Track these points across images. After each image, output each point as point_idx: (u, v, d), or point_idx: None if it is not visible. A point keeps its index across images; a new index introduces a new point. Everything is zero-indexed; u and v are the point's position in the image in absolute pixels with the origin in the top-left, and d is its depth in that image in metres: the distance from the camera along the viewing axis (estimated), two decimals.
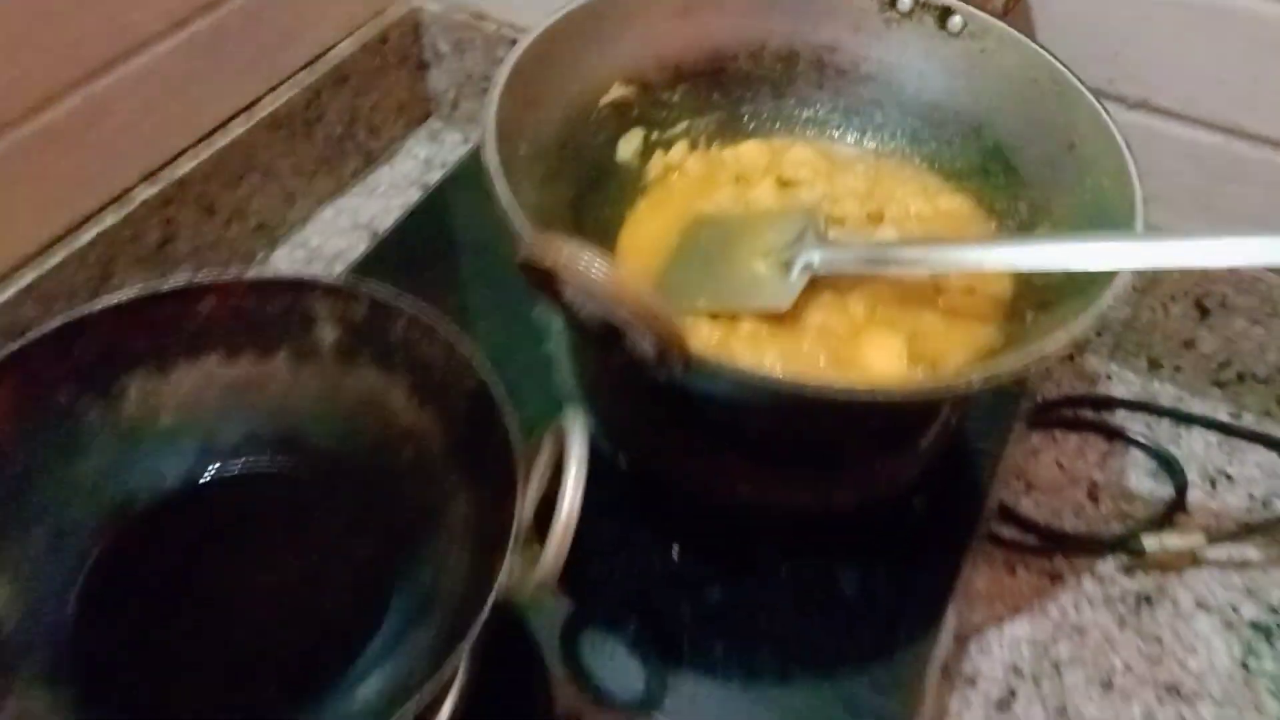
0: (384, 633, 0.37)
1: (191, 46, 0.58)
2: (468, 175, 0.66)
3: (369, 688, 0.35)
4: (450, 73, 0.77)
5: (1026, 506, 0.57)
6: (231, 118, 0.63)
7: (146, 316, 0.41)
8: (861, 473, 0.48)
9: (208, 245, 0.64)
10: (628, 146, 0.52)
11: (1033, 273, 0.44)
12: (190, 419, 0.42)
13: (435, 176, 0.75)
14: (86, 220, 0.56)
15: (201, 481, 0.42)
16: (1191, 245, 0.38)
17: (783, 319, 0.44)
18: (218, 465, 0.42)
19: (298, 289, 0.41)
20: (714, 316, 0.45)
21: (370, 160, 0.75)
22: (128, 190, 0.58)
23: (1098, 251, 0.40)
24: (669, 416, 0.47)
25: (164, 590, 0.40)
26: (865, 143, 0.53)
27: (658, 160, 0.53)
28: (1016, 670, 0.51)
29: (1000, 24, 0.50)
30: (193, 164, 0.61)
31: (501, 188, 0.39)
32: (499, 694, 0.42)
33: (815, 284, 0.45)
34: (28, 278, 0.54)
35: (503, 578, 0.33)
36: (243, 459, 0.42)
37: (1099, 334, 0.63)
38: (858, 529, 0.47)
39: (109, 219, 0.57)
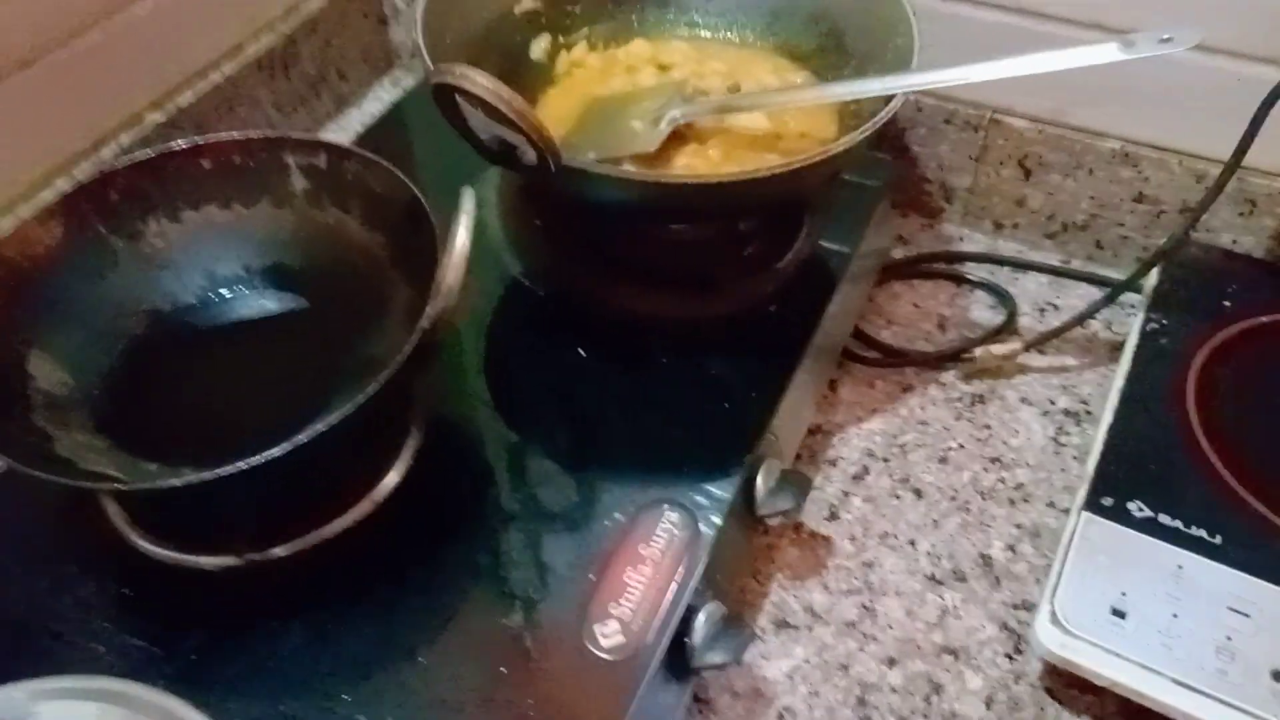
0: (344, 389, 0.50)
1: None
2: (418, 101, 0.78)
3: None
4: (406, 26, 0.89)
5: (886, 337, 0.69)
6: (221, 58, 0.76)
7: (161, 170, 0.53)
8: (729, 288, 0.60)
9: None
10: (538, 47, 0.65)
11: (842, 102, 0.57)
12: (195, 254, 0.55)
13: None
14: (104, 140, 0.69)
15: (208, 296, 0.54)
16: (946, 73, 0.51)
17: (654, 162, 0.57)
18: (220, 288, 0.55)
19: (274, 143, 0.54)
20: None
21: (342, 103, 0.88)
22: (137, 115, 0.71)
23: (884, 83, 0.53)
24: (571, 246, 0.59)
25: (178, 372, 0.52)
26: (729, 36, 0.66)
27: (563, 58, 0.65)
28: (870, 453, 0.63)
29: None
30: (192, 95, 0.73)
31: (424, 41, 0.52)
32: (444, 463, 0.53)
33: (681, 136, 0.58)
34: (59, 185, 0.66)
35: (424, 322, 0.45)
36: (238, 283, 0.55)
37: (949, 202, 0.75)
38: (726, 331, 0.59)
39: (124, 139, 0.69)
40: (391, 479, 0.51)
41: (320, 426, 0.41)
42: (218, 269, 0.55)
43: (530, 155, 0.48)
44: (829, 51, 0.63)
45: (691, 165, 0.57)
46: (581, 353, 0.57)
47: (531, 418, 0.55)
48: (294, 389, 0.51)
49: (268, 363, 0.53)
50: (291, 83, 0.82)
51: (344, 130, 0.87)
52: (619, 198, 0.51)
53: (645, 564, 0.48)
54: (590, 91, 0.64)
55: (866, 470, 0.62)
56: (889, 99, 0.52)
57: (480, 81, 0.44)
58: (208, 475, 0.41)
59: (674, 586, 0.47)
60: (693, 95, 0.60)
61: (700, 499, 0.50)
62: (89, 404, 0.49)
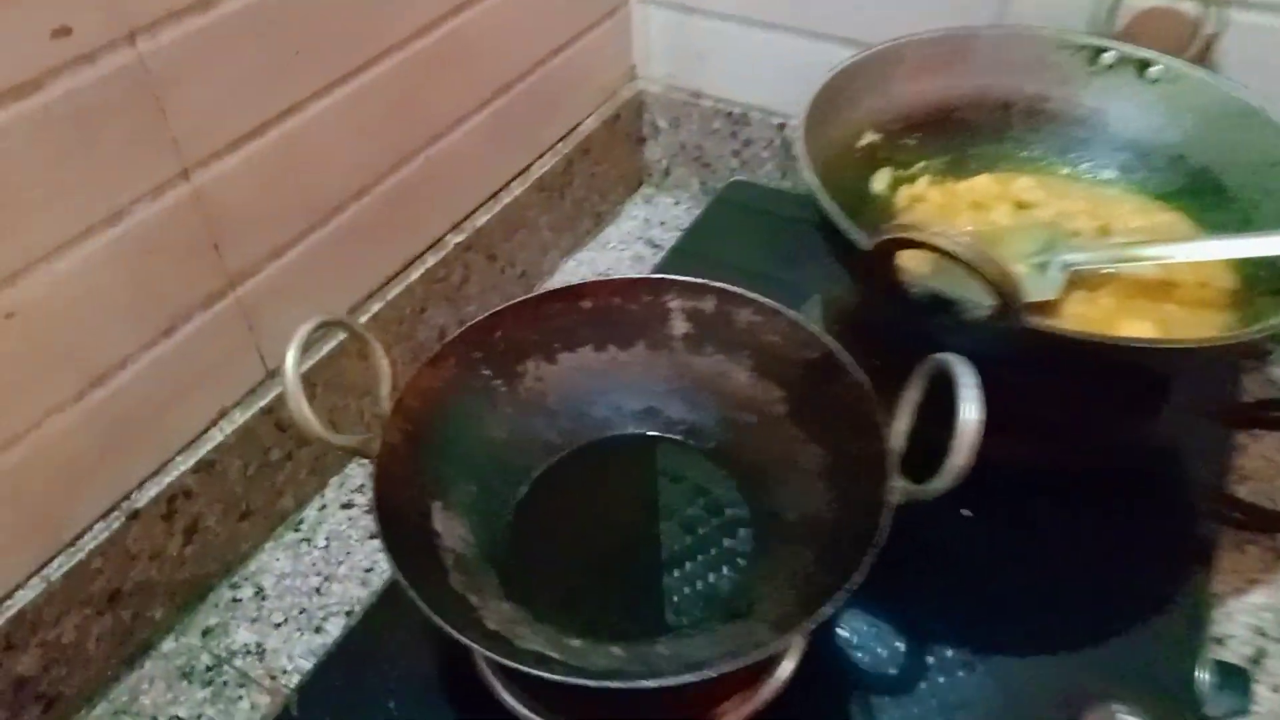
0: (758, 558, 0.46)
1: (491, 120, 0.70)
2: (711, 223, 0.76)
3: (765, 604, 0.44)
4: (664, 145, 0.89)
5: (1244, 494, 0.64)
6: (511, 180, 0.75)
7: (541, 312, 0.51)
8: (1110, 440, 0.56)
9: (490, 287, 0.75)
10: (879, 181, 0.62)
11: (1256, 259, 0.53)
12: (568, 397, 0.52)
13: (655, 233, 0.86)
14: (414, 260, 0.68)
15: (579, 446, 0.52)
16: None
17: (1045, 312, 0.53)
18: (591, 434, 0.52)
19: (657, 285, 0.51)
20: None
21: (599, 221, 0.87)
22: (440, 238, 0.70)
23: None
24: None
25: (566, 527, 0.49)
26: (1079, 174, 0.63)
27: (904, 192, 0.63)
28: (1261, 632, 0.57)
29: (1194, 70, 0.60)
30: (486, 217, 0.72)
31: (827, 203, 0.49)
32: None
33: (1069, 283, 0.54)
34: (374, 307, 0.65)
35: (891, 496, 0.41)
36: (610, 429, 0.52)
37: None
38: (1117, 488, 0.54)
39: (429, 260, 0.68)
40: (783, 672, 0.46)
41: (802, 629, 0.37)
42: (590, 411, 0.52)
43: (977, 314, 0.44)
44: (1204, 192, 0.59)
45: (1084, 315, 0.53)
46: (966, 513, 0.53)
47: (918, 588, 0.50)
48: (693, 545, 0.48)
49: (649, 514, 0.50)
50: (564, 203, 0.81)
51: (603, 247, 0.85)
52: (1056, 364, 0.47)
53: None
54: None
55: (1263, 653, 0.56)
56: None
57: (960, 239, 0.41)
58: (670, 680, 0.37)
59: None
60: (1069, 239, 0.57)
61: (1148, 698, 0.45)
62: (491, 565, 0.46)
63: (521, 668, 0.38)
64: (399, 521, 0.42)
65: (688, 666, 0.38)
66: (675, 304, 0.51)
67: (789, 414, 0.49)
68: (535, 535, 0.48)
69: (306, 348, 0.42)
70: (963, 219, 0.62)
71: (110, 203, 0.47)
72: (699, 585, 0.46)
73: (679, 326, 0.52)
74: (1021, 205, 0.61)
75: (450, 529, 0.45)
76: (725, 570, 0.46)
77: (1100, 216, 0.59)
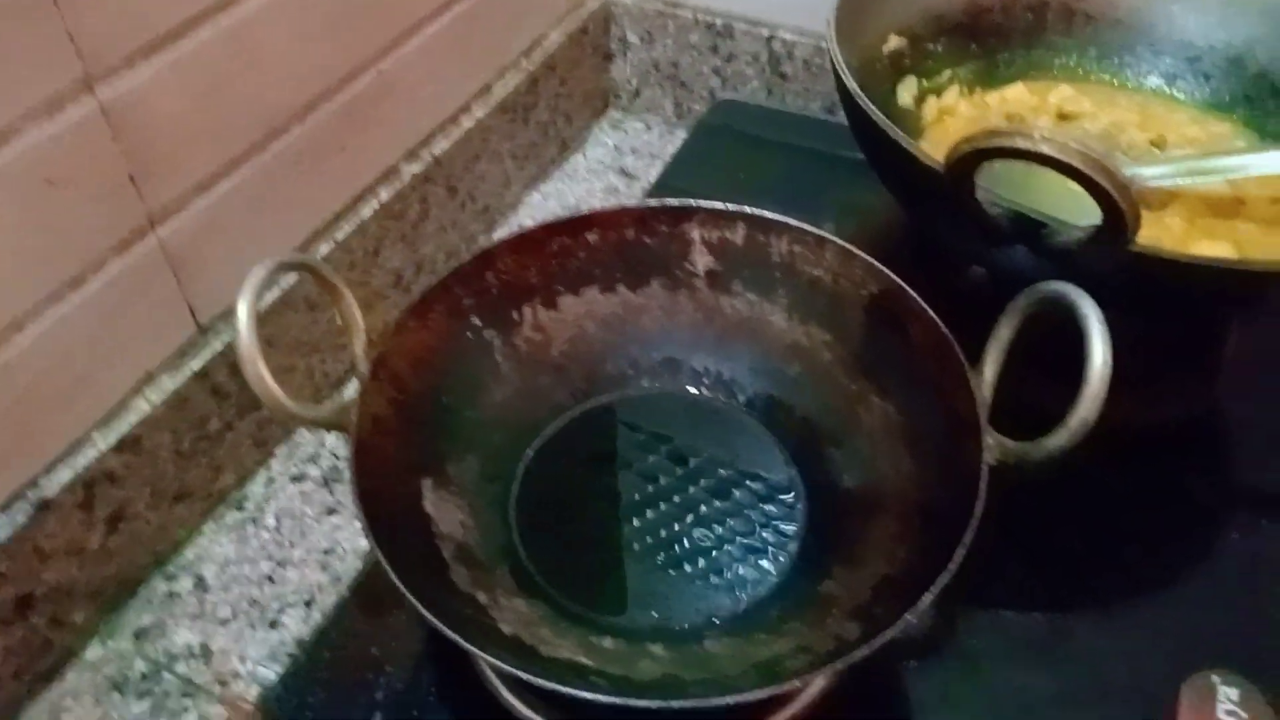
0: (815, 531, 0.39)
1: (452, 27, 0.61)
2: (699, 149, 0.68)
3: (831, 585, 0.37)
4: (634, 63, 0.79)
5: None
6: (471, 100, 0.65)
7: (543, 247, 0.42)
8: (1176, 387, 0.50)
9: (450, 224, 0.66)
10: (906, 92, 0.55)
11: None
12: (574, 349, 0.44)
13: (628, 161, 0.77)
14: (366, 193, 0.58)
15: (590, 408, 0.43)
16: None
17: None
18: (604, 392, 0.44)
19: (676, 214, 0.43)
20: None
21: (564, 148, 0.78)
22: (394, 168, 0.60)
23: None
24: None
25: (581, 504, 0.41)
26: (1120, 81, 0.56)
27: (931, 104, 0.55)
28: None
29: None
30: (445, 143, 0.63)
31: (880, 118, 0.42)
32: None
33: None
34: (322, 249, 0.55)
35: (988, 457, 0.34)
36: (625, 385, 0.44)
37: None
38: (1194, 440, 0.49)
39: (383, 194, 0.59)
40: None
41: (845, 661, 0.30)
42: (601, 366, 0.44)
43: (1073, 235, 0.37)
44: (1261, 99, 0.53)
45: (1153, 237, 0.47)
46: None
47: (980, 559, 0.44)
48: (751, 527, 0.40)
49: (688, 484, 0.42)
50: (528, 128, 0.71)
51: (571, 178, 0.76)
52: (1188, 288, 0.40)
53: None
54: None
55: None
56: None
57: (1073, 146, 0.33)
58: (749, 695, 0.30)
59: None
60: (1125, 151, 0.50)
61: (1249, 667, 0.40)
62: (500, 554, 0.38)
63: (559, 688, 0.30)
64: (386, 509, 0.34)
65: (759, 672, 0.31)
66: (697, 234, 0.43)
67: (842, 362, 0.42)
68: (547, 516, 0.40)
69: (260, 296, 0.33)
70: None
71: None
72: (744, 568, 0.39)
73: (701, 261, 0.44)
74: (1065, 116, 0.54)
75: (446, 514, 0.37)
76: (776, 547, 0.39)
77: (1152, 128, 0.53)
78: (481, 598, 0.35)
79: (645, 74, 0.80)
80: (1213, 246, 0.46)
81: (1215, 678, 0.39)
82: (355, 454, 0.34)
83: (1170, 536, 0.45)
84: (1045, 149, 0.34)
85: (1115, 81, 0.57)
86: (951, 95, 0.56)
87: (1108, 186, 0.34)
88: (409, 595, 0.31)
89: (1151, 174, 0.47)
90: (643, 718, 0.36)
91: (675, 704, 0.29)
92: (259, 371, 0.32)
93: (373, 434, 0.36)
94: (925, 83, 0.56)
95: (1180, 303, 0.42)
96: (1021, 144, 0.34)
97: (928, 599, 0.31)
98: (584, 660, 0.33)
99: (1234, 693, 0.39)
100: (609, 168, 0.77)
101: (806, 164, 0.63)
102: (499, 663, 0.30)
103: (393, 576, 0.31)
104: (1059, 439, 0.32)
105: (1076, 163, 0.33)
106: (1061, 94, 0.55)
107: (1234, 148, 0.51)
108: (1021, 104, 0.55)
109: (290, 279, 0.52)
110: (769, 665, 0.31)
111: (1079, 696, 0.40)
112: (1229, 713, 0.39)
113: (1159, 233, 0.47)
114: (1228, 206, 0.49)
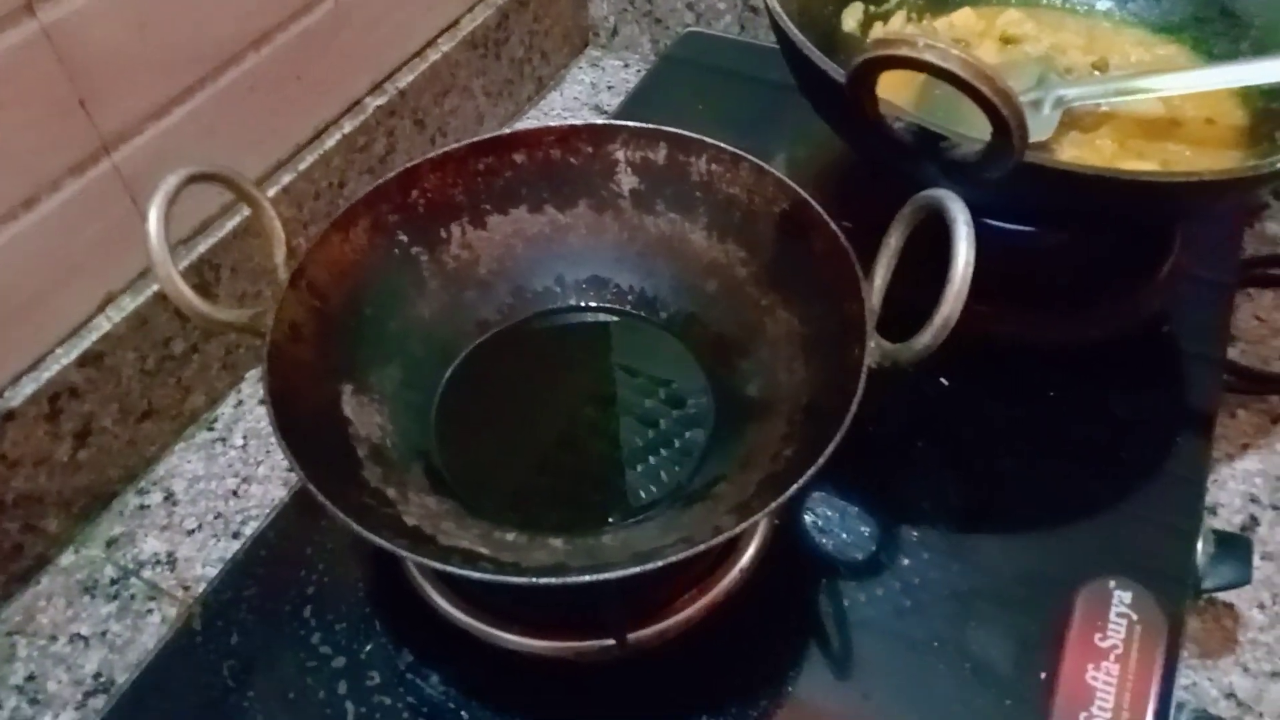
0: (719, 438, 0.41)
1: None
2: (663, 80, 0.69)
3: (724, 486, 0.38)
4: (610, 1, 0.80)
5: (1234, 355, 0.59)
6: (438, 35, 0.66)
7: (465, 166, 0.44)
8: (1105, 305, 0.50)
9: (418, 159, 0.67)
10: (850, 18, 0.55)
11: (1268, 91, 0.47)
12: (501, 267, 0.45)
13: (604, 98, 0.78)
14: (329, 125, 0.60)
15: (515, 322, 0.45)
16: None
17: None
18: (530, 307, 0.45)
19: (601, 133, 0.44)
20: None
21: (541, 86, 0.79)
22: (359, 100, 0.62)
23: None
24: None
25: (501, 412, 0.43)
26: (1072, 5, 0.56)
27: (877, 30, 0.56)
28: (1253, 499, 0.53)
29: None
30: (411, 76, 0.64)
31: (794, 32, 0.42)
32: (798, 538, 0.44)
33: (1060, 124, 0.48)
34: (285, 179, 0.57)
35: (869, 360, 0.35)
36: (551, 301, 0.46)
37: None
38: (1113, 359, 0.49)
39: (347, 126, 0.60)
40: (743, 560, 0.41)
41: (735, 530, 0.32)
42: (528, 284, 0.46)
43: (970, 148, 0.38)
44: (1210, 20, 0.53)
45: (1081, 158, 0.47)
46: (943, 381, 0.48)
47: (898, 466, 0.45)
48: (659, 432, 0.42)
49: (605, 396, 0.44)
50: (501, 64, 0.72)
51: (546, 116, 0.77)
52: (1076, 197, 0.41)
53: (1108, 660, 0.38)
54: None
55: (1255, 520, 0.52)
56: None
57: (954, 53, 0.34)
58: (614, 574, 0.32)
59: (1153, 690, 0.38)
60: (1063, 74, 0.50)
61: (1144, 573, 0.41)
62: (415, 455, 0.40)
63: (441, 565, 0.32)
64: (299, 407, 0.36)
65: (636, 557, 0.33)
66: (621, 154, 0.45)
67: (754, 277, 0.43)
68: (467, 423, 0.42)
69: (175, 202, 0.35)
70: None
71: None
72: (653, 471, 0.40)
73: (626, 181, 0.45)
74: (1009, 40, 0.54)
75: (364, 417, 0.39)
76: (682, 453, 0.41)
77: (1096, 50, 0.53)
78: (391, 493, 0.37)
79: (622, 10, 0.80)
80: (1138, 165, 0.46)
81: (1112, 583, 0.41)
82: (268, 356, 0.36)
83: (1085, 451, 0.46)
84: (928, 56, 0.34)
85: (1067, 5, 0.56)
86: (898, 21, 0.56)
87: (989, 93, 0.34)
88: (309, 482, 0.33)
89: (1075, 94, 0.47)
90: (565, 611, 0.38)
91: (541, 580, 0.31)
92: (170, 274, 0.34)
93: (290, 339, 0.38)
94: (872, 8, 0.56)
95: (1077, 216, 0.42)
96: (905, 52, 0.35)
97: (794, 489, 0.32)
98: (481, 549, 0.35)
99: (1128, 596, 0.40)
100: (585, 104, 0.78)
101: (768, 96, 0.63)
102: (389, 545, 0.32)
103: (293, 463, 0.33)
104: (925, 338, 0.33)
105: (956, 69, 0.34)
106: (1008, 18, 0.55)
107: (1169, 67, 0.51)
108: (968, 29, 0.55)
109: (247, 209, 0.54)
110: (648, 555, 0.32)
111: (984, 594, 0.41)
112: (1121, 615, 0.40)
113: (1088, 153, 0.48)
114: (1162, 128, 0.49)
